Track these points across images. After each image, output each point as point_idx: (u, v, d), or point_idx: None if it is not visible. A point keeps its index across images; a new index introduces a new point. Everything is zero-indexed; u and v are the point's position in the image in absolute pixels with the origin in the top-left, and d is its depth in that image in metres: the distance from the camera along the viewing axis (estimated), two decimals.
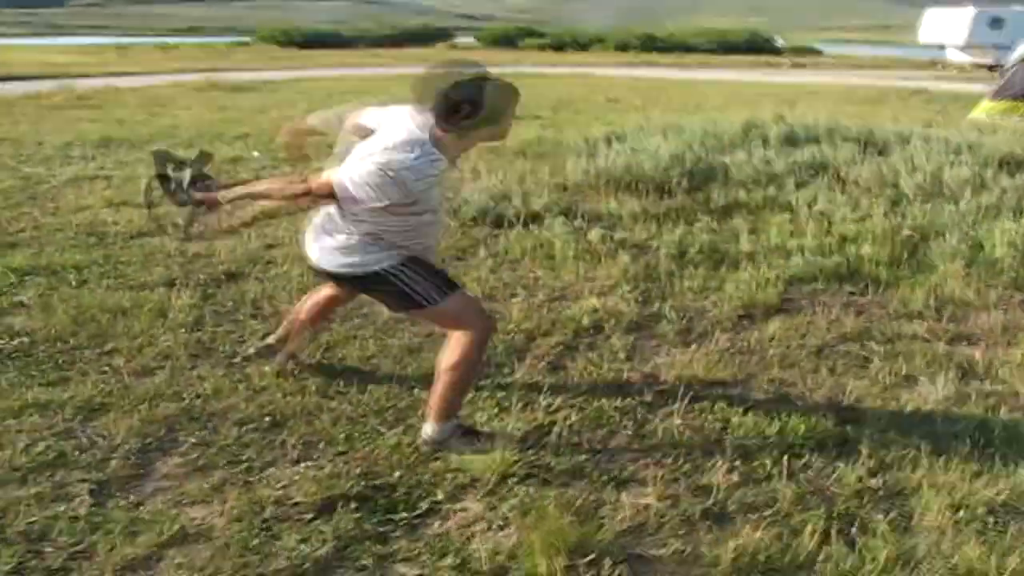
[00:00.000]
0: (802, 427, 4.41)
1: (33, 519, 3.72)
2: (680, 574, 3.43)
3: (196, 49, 51.78)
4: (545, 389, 4.92)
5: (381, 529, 3.68)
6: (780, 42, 62.66)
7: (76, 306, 6.17)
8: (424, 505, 3.85)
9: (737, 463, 4.16)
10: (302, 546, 3.55)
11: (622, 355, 5.46)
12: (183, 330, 5.80)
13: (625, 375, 5.18)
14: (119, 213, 8.85)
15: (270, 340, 5.28)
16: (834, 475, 4.07)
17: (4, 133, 14.41)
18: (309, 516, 3.76)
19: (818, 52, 60.26)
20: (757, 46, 58.64)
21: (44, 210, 9.04)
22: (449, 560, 3.46)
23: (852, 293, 6.62)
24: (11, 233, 8.09)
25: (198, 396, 4.87)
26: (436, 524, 3.74)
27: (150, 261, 7.25)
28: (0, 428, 4.50)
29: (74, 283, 6.71)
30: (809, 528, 3.61)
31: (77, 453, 4.28)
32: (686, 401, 4.71)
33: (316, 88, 25.08)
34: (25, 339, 5.62)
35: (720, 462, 4.17)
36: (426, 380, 4.80)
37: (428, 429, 4.33)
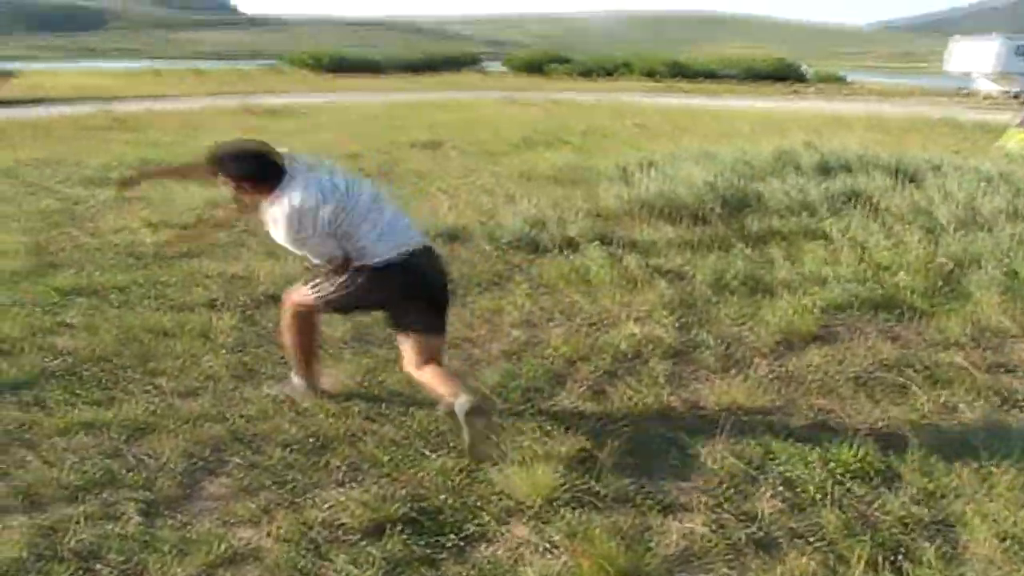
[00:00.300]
0: (845, 455, 4.40)
1: (84, 537, 3.77)
2: None
3: (229, 73, 52.13)
4: (587, 414, 4.95)
5: (430, 552, 3.71)
6: (807, 70, 62.47)
7: (119, 326, 6.26)
8: (471, 528, 3.87)
9: (781, 490, 4.17)
10: (352, 568, 3.59)
11: (662, 381, 5.47)
12: (226, 352, 5.87)
13: (666, 401, 5.20)
14: (158, 234, 8.93)
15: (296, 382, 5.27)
16: (879, 503, 4.07)
17: (44, 154, 14.57)
18: (357, 538, 3.79)
19: (843, 80, 60.05)
20: (783, 74, 58.50)
21: (84, 231, 9.15)
22: None
23: (889, 321, 6.60)
24: (53, 253, 8.20)
25: (243, 418, 4.92)
26: (484, 547, 3.76)
27: (191, 282, 7.33)
28: (48, 446, 4.57)
29: (117, 304, 6.80)
30: (856, 556, 3.61)
31: (125, 472, 4.33)
32: (728, 427, 4.72)
33: (349, 112, 25.21)
34: (70, 358, 5.70)
35: (764, 489, 4.18)
36: None
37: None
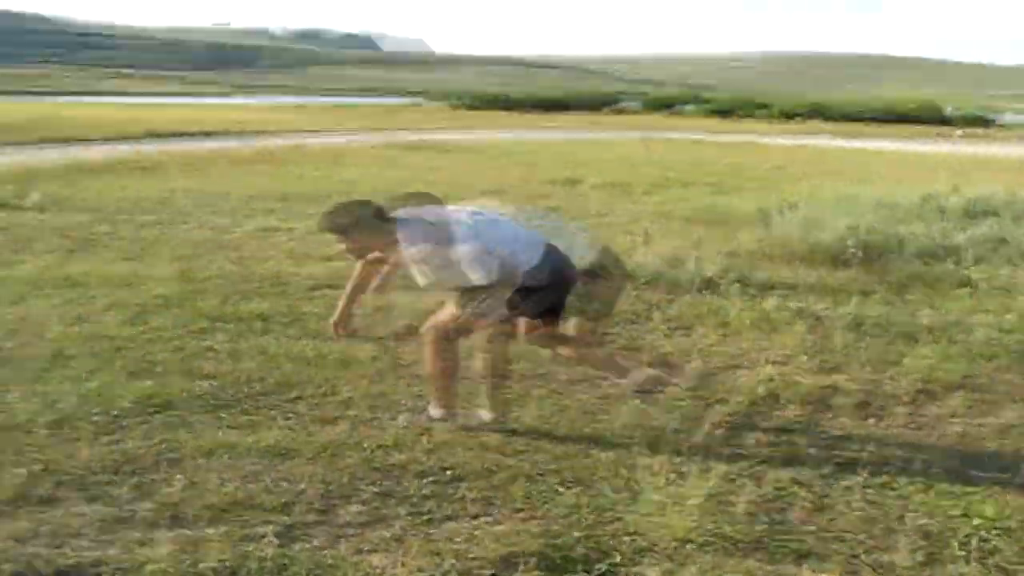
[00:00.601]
0: (989, 509, 4.25)
1: (224, 558, 3.85)
2: None
3: (371, 109, 53.24)
4: (721, 457, 4.88)
5: None
6: (953, 112, 60.92)
7: (262, 353, 6.44)
8: (603, 567, 3.83)
9: (921, 543, 4.03)
10: None
11: (799, 426, 5.38)
12: (364, 381, 5.97)
13: (802, 446, 5.10)
14: (300, 265, 9.18)
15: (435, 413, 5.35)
16: None
17: (195, 185, 15.11)
18: (489, 572, 3.79)
19: (992, 122, 58.33)
20: (928, 116, 57.16)
21: (230, 259, 9.46)
22: None
23: None
24: (201, 280, 8.50)
25: (379, 447, 4.97)
26: None
27: (331, 313, 7.45)
28: (192, 466, 4.71)
29: (260, 331, 6.99)
30: None
31: (264, 495, 4.42)
32: (865, 475, 4.61)
33: (488, 149, 25.51)
34: (215, 383, 5.88)
35: (902, 541, 4.05)
36: (602, 442, 4.88)
37: None
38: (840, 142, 34.23)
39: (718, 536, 4.05)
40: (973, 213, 11.91)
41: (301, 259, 9.48)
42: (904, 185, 14.95)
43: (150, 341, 6.66)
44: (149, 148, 22.56)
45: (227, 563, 3.81)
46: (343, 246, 5.06)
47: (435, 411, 5.28)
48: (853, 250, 9.62)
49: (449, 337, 5.10)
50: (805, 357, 6.56)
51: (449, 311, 5.06)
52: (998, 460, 4.98)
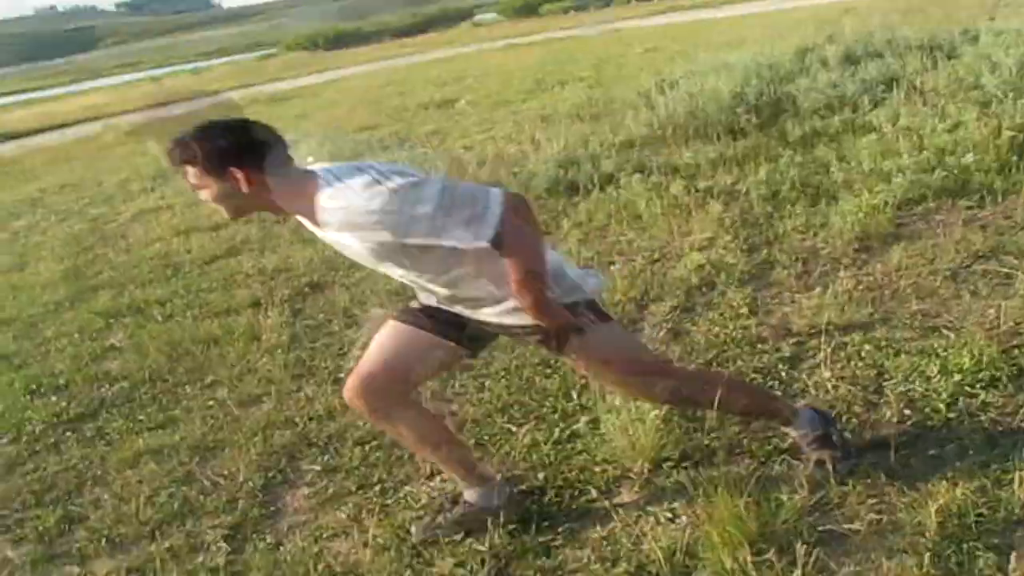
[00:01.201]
0: (965, 361, 3.98)
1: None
2: (883, 547, 3.02)
3: (228, 68, 52.07)
4: (672, 358, 4.60)
5: (540, 540, 3.39)
6: None
7: (167, 342, 6.08)
8: (578, 506, 3.55)
9: (906, 411, 3.76)
10: (459, 570, 3.30)
11: (744, 310, 5.05)
12: (280, 351, 5.63)
13: (754, 331, 4.81)
14: (189, 240, 8.75)
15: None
16: (1022, 412, 3.62)
17: (66, 180, 14.61)
18: (459, 536, 3.48)
19: None
20: None
21: (117, 249, 9.09)
22: (623, 567, 3.14)
23: (970, 208, 6.07)
24: (90, 276, 8.14)
25: (312, 419, 4.68)
26: (598, 527, 3.41)
27: (230, 284, 7.14)
28: (121, 480, 4.40)
29: (160, 318, 6.64)
30: (1016, 477, 3.14)
31: (202, 498, 4.13)
32: (829, 351, 4.33)
33: (355, 86, 25.01)
34: (124, 383, 5.56)
35: (887, 412, 3.79)
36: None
37: None
38: (701, 14, 33.82)
39: (692, 447, 3.78)
40: (855, 57, 11.65)
41: (188, 234, 9.03)
42: (779, 44, 14.64)
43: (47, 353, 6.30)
44: (4, 148, 21.71)
45: None
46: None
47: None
48: (746, 117, 9.33)
49: None
50: (729, 236, 6.23)
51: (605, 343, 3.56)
52: (958, 307, 4.67)
